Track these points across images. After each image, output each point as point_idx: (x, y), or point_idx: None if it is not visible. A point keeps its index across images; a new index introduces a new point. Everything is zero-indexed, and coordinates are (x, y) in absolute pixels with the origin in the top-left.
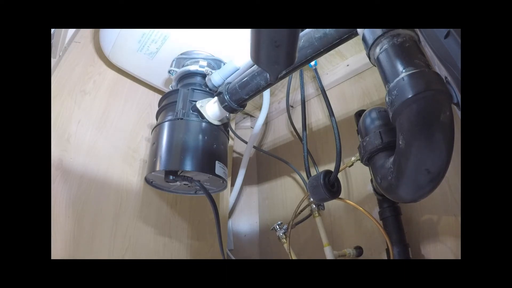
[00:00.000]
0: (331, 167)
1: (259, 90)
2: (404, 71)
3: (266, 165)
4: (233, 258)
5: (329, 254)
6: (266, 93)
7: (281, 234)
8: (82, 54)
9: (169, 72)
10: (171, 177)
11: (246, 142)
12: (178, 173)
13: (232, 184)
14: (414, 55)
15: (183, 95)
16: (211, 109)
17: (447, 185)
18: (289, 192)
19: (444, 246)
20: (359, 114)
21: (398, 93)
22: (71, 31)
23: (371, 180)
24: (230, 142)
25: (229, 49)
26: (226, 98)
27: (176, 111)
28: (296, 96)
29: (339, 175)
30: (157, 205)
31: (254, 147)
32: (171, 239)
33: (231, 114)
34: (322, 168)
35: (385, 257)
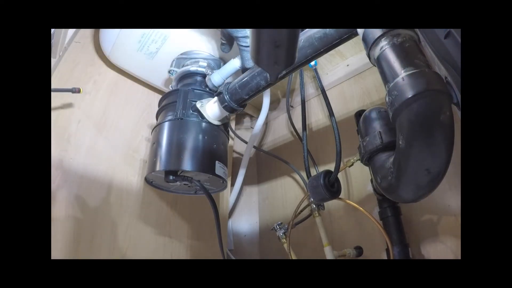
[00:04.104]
0: (331, 167)
1: (259, 90)
2: (404, 71)
3: (266, 165)
4: (233, 258)
5: (329, 254)
6: (266, 93)
7: (281, 234)
8: (82, 54)
9: (169, 72)
10: (171, 177)
11: (246, 142)
12: (178, 173)
13: (232, 184)
14: (414, 55)
15: (183, 95)
16: (211, 109)
17: (447, 185)
18: (289, 192)
19: (444, 246)
20: (359, 114)
21: (398, 93)
22: (71, 31)
23: (371, 180)
24: (230, 142)
25: None
26: (226, 98)
27: (176, 111)
28: (296, 96)
29: (339, 175)
30: (157, 205)
31: (254, 147)
32: (171, 239)
33: (231, 114)
34: (322, 168)
35: (385, 257)
